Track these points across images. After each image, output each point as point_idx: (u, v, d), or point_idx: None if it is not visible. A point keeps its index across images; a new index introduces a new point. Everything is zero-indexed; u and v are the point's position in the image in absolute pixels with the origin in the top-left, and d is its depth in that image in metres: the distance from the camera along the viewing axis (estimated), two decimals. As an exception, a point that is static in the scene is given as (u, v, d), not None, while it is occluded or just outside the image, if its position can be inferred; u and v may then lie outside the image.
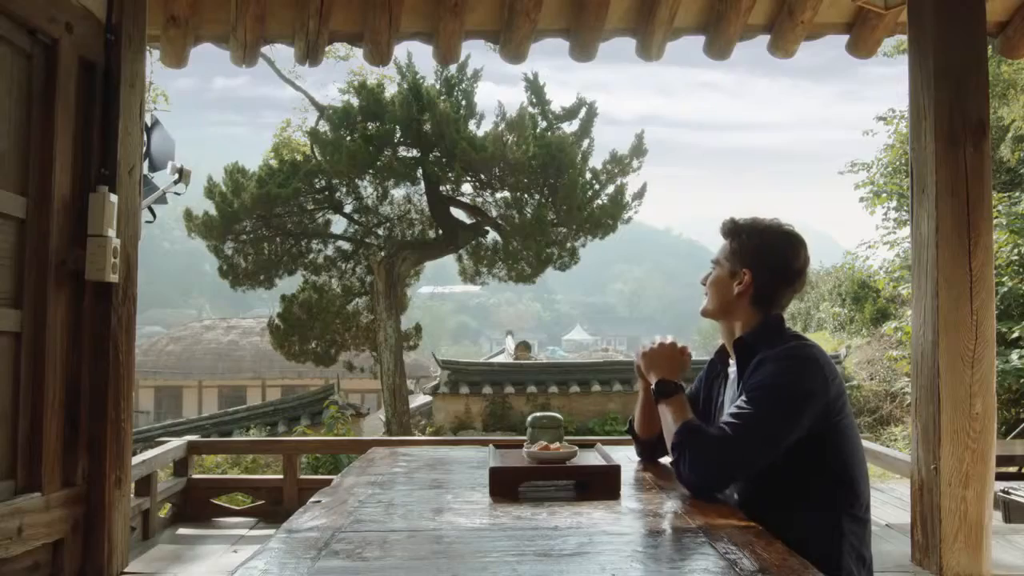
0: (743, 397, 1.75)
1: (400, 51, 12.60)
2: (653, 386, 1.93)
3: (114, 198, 2.97)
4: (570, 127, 12.21)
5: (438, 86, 12.01)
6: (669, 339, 1.99)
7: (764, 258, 1.86)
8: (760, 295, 1.86)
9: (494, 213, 12.24)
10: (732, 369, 1.92)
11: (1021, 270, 9.01)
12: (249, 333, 25.23)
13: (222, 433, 11.50)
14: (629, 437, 2.25)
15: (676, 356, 1.97)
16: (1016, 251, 8.92)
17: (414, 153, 11.87)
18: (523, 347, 16.44)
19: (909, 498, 3.29)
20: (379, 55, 3.84)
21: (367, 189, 12.67)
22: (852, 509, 1.73)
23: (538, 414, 2.08)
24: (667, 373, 1.93)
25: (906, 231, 11.88)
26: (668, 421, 1.85)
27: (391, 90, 12.16)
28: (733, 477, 1.77)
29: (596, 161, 12.25)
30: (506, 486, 1.81)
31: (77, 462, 2.91)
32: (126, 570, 3.17)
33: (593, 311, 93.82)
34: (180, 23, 3.72)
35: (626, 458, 2.18)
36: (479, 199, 12.45)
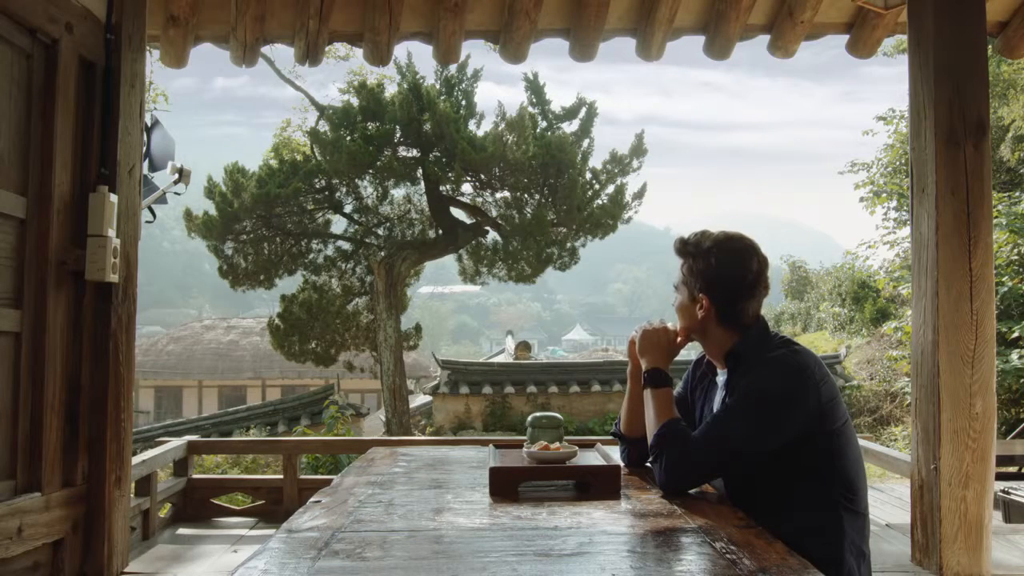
0: (725, 404, 1.80)
1: (400, 51, 12.67)
2: (644, 371, 1.94)
3: (114, 198, 2.97)
4: (570, 127, 12.23)
5: (438, 86, 12.01)
6: (669, 325, 1.99)
7: (715, 281, 1.85)
8: (724, 314, 1.86)
9: (494, 213, 12.25)
10: (720, 379, 1.94)
11: (1021, 270, 9.00)
12: (249, 333, 25.25)
13: (222, 433, 11.51)
14: None
15: (671, 344, 1.97)
16: (1016, 251, 8.91)
17: (414, 153, 11.87)
18: (523, 347, 16.43)
19: (909, 498, 3.29)
20: (379, 55, 3.84)
21: (367, 189, 12.68)
22: (851, 505, 1.74)
23: (538, 414, 2.08)
24: (659, 359, 1.94)
25: (906, 231, 11.88)
26: (651, 413, 1.87)
27: (391, 90, 12.18)
28: (705, 480, 1.85)
29: (596, 161, 12.29)
30: (506, 486, 1.81)
31: (77, 462, 2.92)
32: (126, 570, 3.17)
33: (593, 311, 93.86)
34: (180, 23, 3.72)
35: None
36: (479, 199, 12.45)
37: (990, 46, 3.96)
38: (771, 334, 1.87)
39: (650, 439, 1.85)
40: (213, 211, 11.92)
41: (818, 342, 16.04)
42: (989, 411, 3.02)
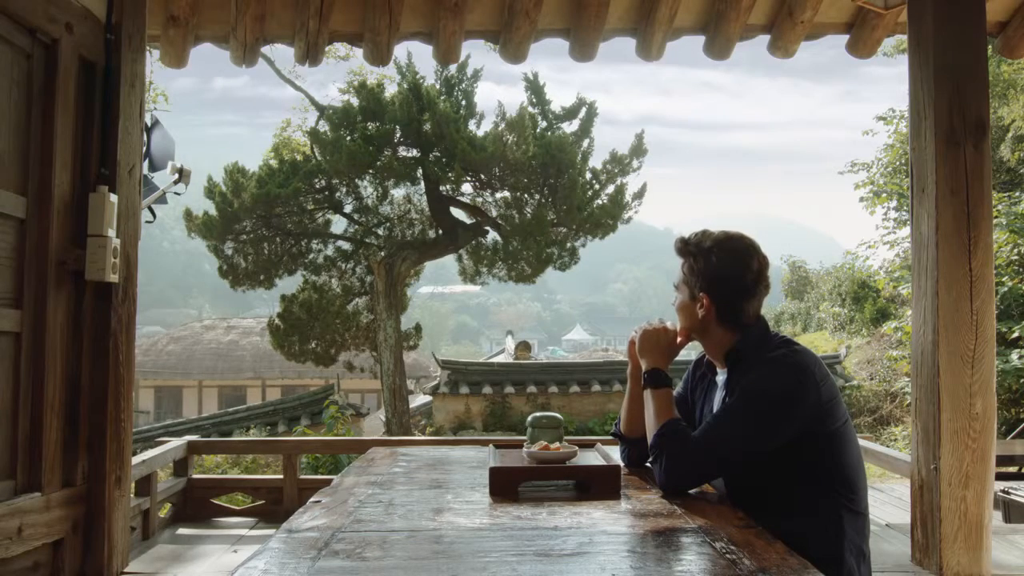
0: (724, 404, 1.81)
1: (400, 51, 12.66)
2: (644, 371, 1.95)
3: (114, 198, 2.97)
4: (570, 127, 12.23)
5: (438, 86, 12.01)
6: (669, 324, 1.99)
7: (716, 280, 1.86)
8: (724, 313, 1.87)
9: (494, 213, 12.24)
10: (720, 378, 1.94)
11: (1021, 270, 9.01)
12: (249, 333, 25.25)
13: (222, 433, 11.51)
14: None
15: (671, 344, 1.97)
16: (1016, 251, 8.91)
17: (414, 153, 11.87)
18: (523, 347, 16.41)
19: (909, 498, 3.29)
20: (379, 55, 3.84)
21: (367, 189, 12.68)
22: (851, 505, 1.75)
23: (538, 414, 2.08)
24: (658, 359, 1.94)
25: (906, 231, 11.88)
26: (651, 413, 1.88)
27: (391, 90, 12.17)
28: (705, 480, 1.86)
29: (596, 161, 12.29)
30: (506, 486, 1.81)
31: (77, 462, 2.92)
32: (126, 570, 3.17)
33: (593, 311, 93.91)
34: (180, 23, 3.72)
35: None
36: (479, 199, 12.45)
37: (990, 46, 3.96)
38: (771, 334, 1.88)
39: (650, 439, 1.86)
40: (213, 211, 11.92)
41: (818, 342, 16.03)
42: (989, 411, 3.02)
